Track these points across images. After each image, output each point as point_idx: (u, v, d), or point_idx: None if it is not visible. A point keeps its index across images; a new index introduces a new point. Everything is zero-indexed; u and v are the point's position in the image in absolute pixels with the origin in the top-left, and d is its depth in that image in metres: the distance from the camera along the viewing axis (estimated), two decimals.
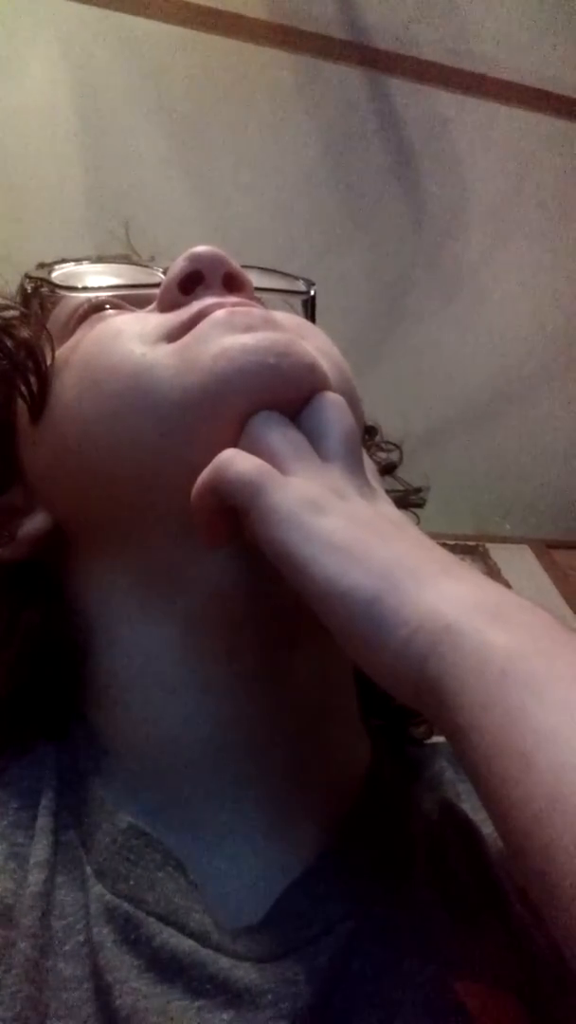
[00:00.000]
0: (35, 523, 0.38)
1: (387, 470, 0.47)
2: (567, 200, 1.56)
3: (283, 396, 0.31)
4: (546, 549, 1.90)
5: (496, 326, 1.65)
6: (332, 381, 0.33)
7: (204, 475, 0.29)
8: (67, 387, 0.35)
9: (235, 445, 0.30)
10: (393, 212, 1.47)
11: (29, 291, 0.40)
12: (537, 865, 0.19)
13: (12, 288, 0.41)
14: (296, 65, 1.31)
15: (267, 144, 1.34)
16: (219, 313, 0.33)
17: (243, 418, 0.31)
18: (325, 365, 0.33)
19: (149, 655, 0.34)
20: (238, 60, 1.27)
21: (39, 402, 0.36)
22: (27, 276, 0.40)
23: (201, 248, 0.36)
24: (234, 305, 0.34)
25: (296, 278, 0.42)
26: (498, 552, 1.75)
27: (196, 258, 0.35)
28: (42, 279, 0.39)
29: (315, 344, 0.35)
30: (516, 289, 1.61)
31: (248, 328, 0.32)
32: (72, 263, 0.40)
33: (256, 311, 0.34)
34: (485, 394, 1.71)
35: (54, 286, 0.39)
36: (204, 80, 1.26)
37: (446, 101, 1.40)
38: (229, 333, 0.32)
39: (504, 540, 1.82)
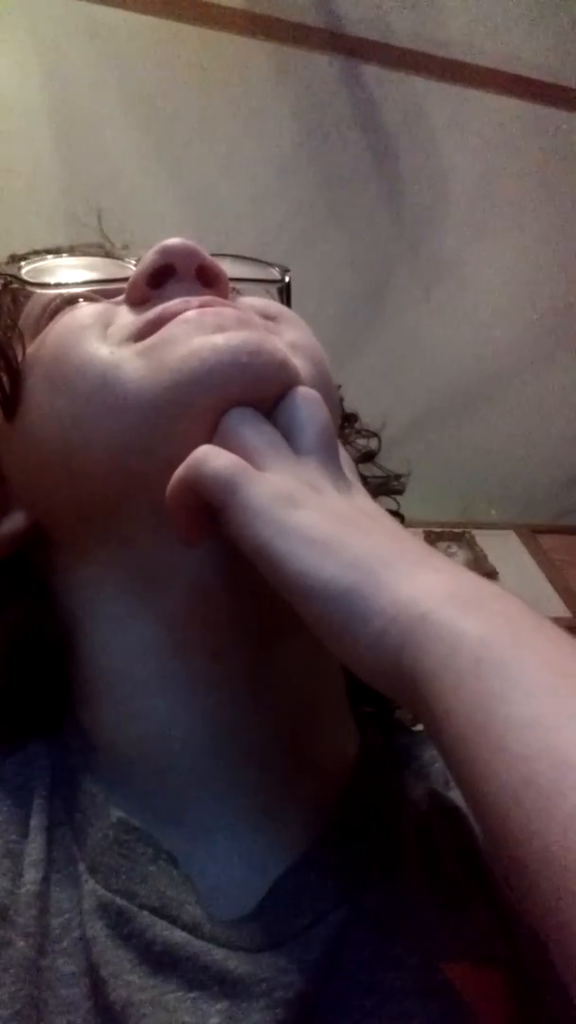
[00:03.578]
0: (12, 523, 0.37)
1: (366, 458, 0.47)
2: (546, 186, 1.56)
3: (255, 394, 0.31)
4: (532, 535, 1.91)
5: (478, 313, 1.65)
6: (306, 376, 0.33)
7: (179, 471, 0.29)
8: (38, 385, 0.35)
9: (209, 443, 0.30)
10: (371, 200, 1.47)
11: (6, 281, 0.39)
12: (510, 849, 0.19)
13: None
14: (271, 54, 1.30)
15: (243, 134, 1.33)
16: (189, 313, 0.33)
17: (215, 418, 0.30)
18: (299, 360, 0.33)
19: (133, 652, 0.34)
20: (212, 49, 1.26)
21: (12, 401, 0.35)
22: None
23: (172, 241, 0.35)
24: (203, 304, 0.33)
25: (271, 265, 0.42)
26: (484, 539, 1.76)
27: (167, 251, 0.35)
28: (12, 275, 0.39)
29: (291, 337, 0.35)
30: (497, 276, 1.62)
31: (218, 328, 0.32)
32: (44, 255, 0.39)
33: (227, 311, 0.33)
34: (468, 381, 1.71)
35: (24, 283, 0.38)
36: (179, 70, 1.25)
37: (422, 88, 1.40)
38: (199, 333, 0.31)
39: (490, 527, 1.83)
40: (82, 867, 0.30)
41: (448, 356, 1.66)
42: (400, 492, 0.47)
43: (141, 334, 0.33)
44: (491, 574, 1.65)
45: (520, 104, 1.45)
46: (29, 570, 0.38)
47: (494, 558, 1.70)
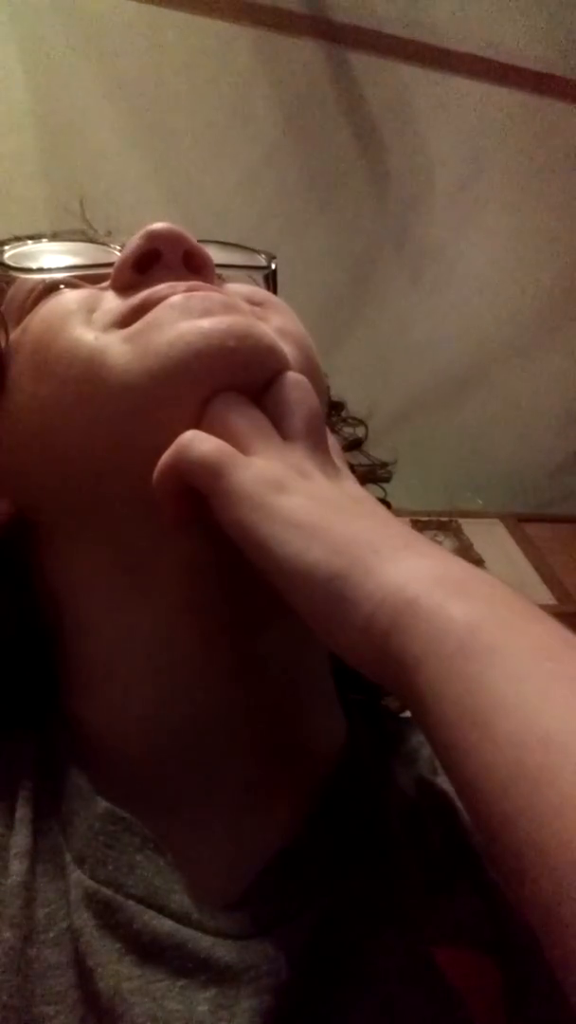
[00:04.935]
0: None
1: (353, 445, 0.47)
2: (532, 174, 1.56)
3: (242, 379, 0.31)
4: (518, 523, 1.92)
5: (464, 302, 1.65)
6: (294, 361, 0.33)
7: (165, 457, 0.29)
8: (22, 371, 0.34)
9: (195, 428, 0.30)
10: (357, 188, 1.46)
11: None
12: (500, 835, 0.19)
13: None
14: (255, 40, 1.29)
15: (228, 121, 1.32)
16: (175, 298, 0.32)
17: (202, 403, 0.30)
18: (287, 345, 0.33)
19: (121, 639, 0.34)
20: (196, 35, 1.25)
21: None
22: None
23: (158, 225, 0.35)
24: (190, 289, 0.33)
25: (257, 252, 0.41)
26: (470, 527, 1.76)
27: (153, 236, 0.34)
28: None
29: (278, 323, 0.35)
30: (483, 264, 1.62)
31: (205, 312, 0.31)
32: (26, 241, 0.39)
33: (215, 295, 0.33)
34: (454, 370, 1.71)
35: (6, 268, 0.37)
36: (162, 56, 1.24)
37: (408, 75, 1.39)
38: (186, 318, 0.31)
39: (476, 515, 1.84)
40: (68, 858, 0.30)
41: (434, 345, 1.66)
42: (387, 480, 0.47)
43: (126, 320, 0.33)
44: (477, 562, 1.65)
45: (506, 92, 1.45)
46: (14, 557, 0.38)
47: (480, 547, 1.71)
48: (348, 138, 1.41)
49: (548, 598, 1.77)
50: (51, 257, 0.38)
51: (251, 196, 1.37)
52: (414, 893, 0.32)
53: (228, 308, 0.32)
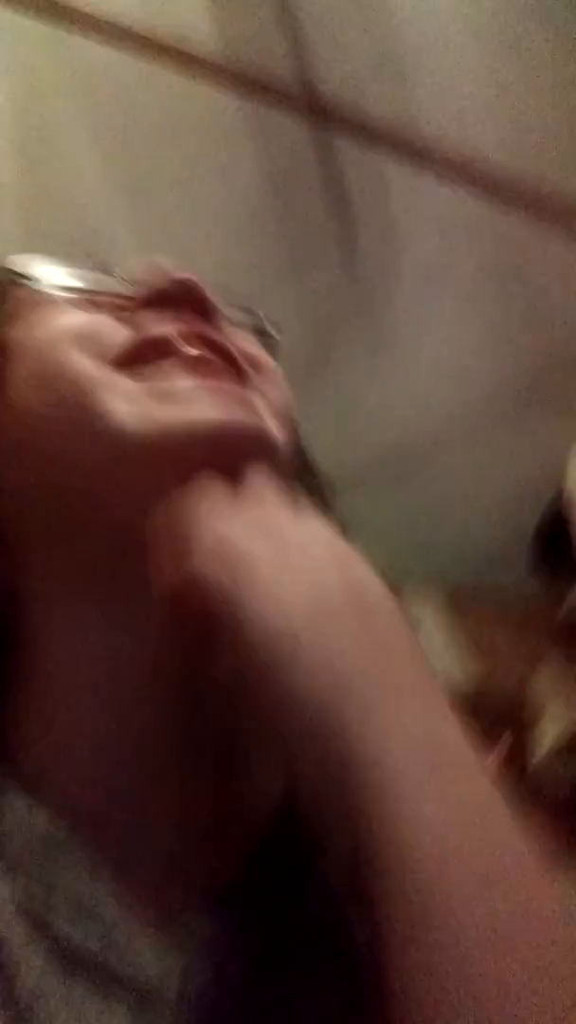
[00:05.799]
0: None
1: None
2: (492, 275, 1.64)
3: (235, 471, 0.31)
4: (457, 599, 1.94)
5: (418, 383, 1.70)
6: (281, 438, 0.34)
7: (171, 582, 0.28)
8: (21, 375, 0.35)
9: (179, 493, 0.30)
10: (329, 261, 1.51)
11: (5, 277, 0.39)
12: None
13: None
14: (247, 110, 1.33)
15: (210, 181, 1.36)
16: (188, 377, 0.33)
17: (190, 477, 0.31)
18: (276, 422, 0.34)
19: (75, 657, 0.34)
20: (190, 97, 1.29)
21: None
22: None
23: (181, 272, 0.36)
24: (198, 336, 0.34)
25: (262, 317, 0.43)
26: (410, 600, 1.78)
27: (174, 280, 0.36)
28: (10, 272, 0.39)
29: (273, 396, 0.36)
30: (440, 350, 1.67)
31: (215, 392, 0.32)
32: (33, 258, 0.39)
33: (228, 386, 0.34)
34: (406, 446, 1.75)
35: (16, 274, 0.38)
36: (153, 111, 1.27)
37: (389, 166, 1.46)
38: (196, 400, 0.32)
39: (416, 589, 1.86)
40: (2, 867, 0.30)
41: (388, 420, 1.70)
42: None
43: (132, 356, 0.33)
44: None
45: (476, 199, 1.52)
46: None
47: (411, 615, 1.72)
48: (324, 212, 1.47)
49: (469, 682, 1.79)
50: (57, 272, 0.39)
51: (227, 252, 1.40)
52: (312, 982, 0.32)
53: (241, 402, 0.33)
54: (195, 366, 0.33)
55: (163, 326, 0.34)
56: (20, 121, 1.21)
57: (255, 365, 0.37)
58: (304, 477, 0.46)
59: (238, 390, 0.34)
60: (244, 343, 0.38)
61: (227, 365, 0.35)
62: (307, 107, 1.38)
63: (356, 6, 1.30)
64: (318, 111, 1.39)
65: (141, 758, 0.33)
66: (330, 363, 1.61)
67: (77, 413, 0.32)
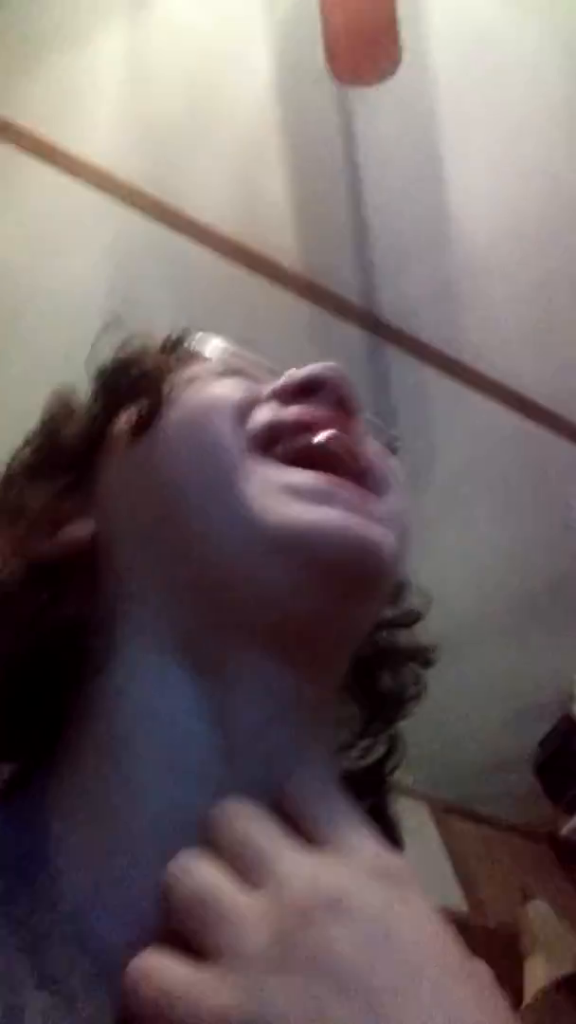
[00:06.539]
0: (81, 529, 0.38)
1: (413, 620, 0.49)
2: (517, 490, 1.72)
3: (351, 582, 0.33)
4: (444, 813, 1.86)
5: (434, 582, 1.73)
6: (392, 548, 0.33)
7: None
8: (174, 422, 0.36)
9: (290, 598, 0.32)
10: None
11: (173, 340, 0.43)
12: None
13: None
14: (312, 315, 1.47)
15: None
16: (331, 483, 0.34)
17: (304, 587, 0.32)
18: (392, 532, 0.34)
19: (147, 712, 0.33)
20: (264, 299, 1.43)
21: (144, 424, 0.37)
22: (177, 329, 0.44)
23: (333, 365, 0.38)
24: (340, 426, 0.36)
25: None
26: (397, 803, 1.70)
27: (329, 369, 0.38)
28: (189, 332, 0.43)
29: (393, 506, 0.36)
30: (458, 553, 1.71)
31: (349, 507, 0.33)
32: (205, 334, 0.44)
33: (360, 495, 0.34)
34: None
35: (198, 341, 0.42)
36: (230, 309, 1.40)
37: (430, 376, 1.58)
38: (342, 508, 0.33)
39: (405, 793, 1.79)
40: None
41: None
42: None
43: (275, 435, 0.35)
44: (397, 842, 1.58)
45: (512, 416, 1.63)
46: (69, 581, 0.36)
47: (403, 825, 1.64)
48: (367, 410, 1.56)
49: (461, 905, 1.67)
50: (224, 347, 0.43)
51: None
52: None
53: (367, 505, 0.34)
54: (326, 457, 0.35)
55: (305, 410, 0.36)
56: (110, 301, 1.33)
57: (383, 472, 0.38)
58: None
59: (364, 496, 0.35)
60: (376, 449, 0.39)
61: (356, 464, 0.36)
62: (366, 318, 1.51)
63: (422, 237, 1.47)
64: (377, 324, 1.52)
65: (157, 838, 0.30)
66: None
67: (214, 483, 0.33)
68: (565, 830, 1.76)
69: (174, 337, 0.44)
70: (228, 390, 0.38)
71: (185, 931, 0.25)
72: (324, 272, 1.47)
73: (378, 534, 0.33)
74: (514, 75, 1.34)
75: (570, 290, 1.52)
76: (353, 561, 0.32)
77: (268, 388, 0.39)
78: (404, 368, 1.56)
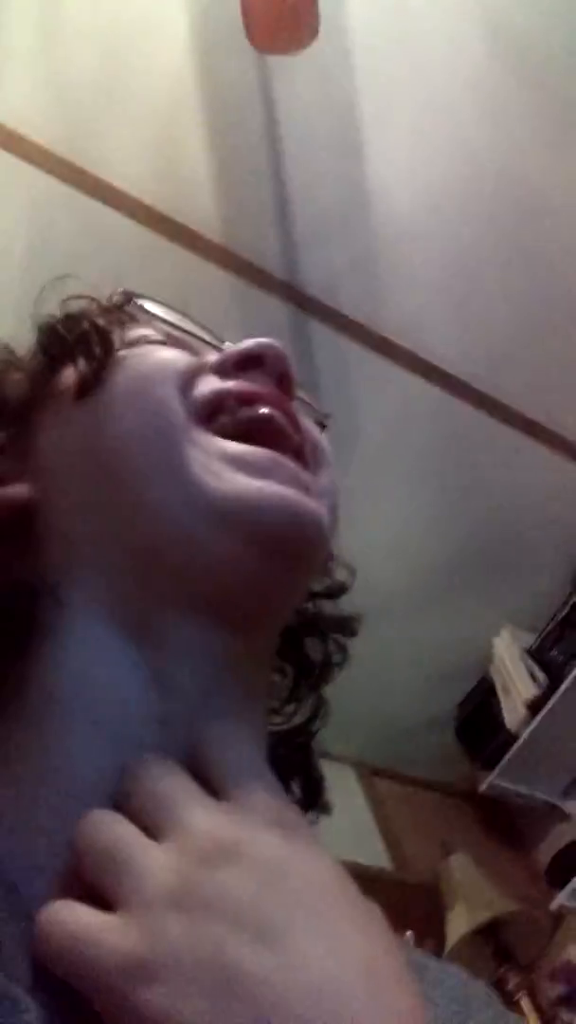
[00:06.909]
0: (15, 490, 0.36)
1: (337, 592, 0.49)
2: (434, 459, 1.76)
3: (290, 554, 0.33)
4: (369, 774, 1.91)
5: (359, 553, 1.76)
6: (324, 523, 0.35)
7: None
8: (116, 389, 0.36)
9: (231, 567, 0.32)
10: None
11: (115, 302, 0.42)
12: None
13: None
14: (234, 287, 1.46)
15: None
16: (270, 456, 0.34)
17: (242, 556, 0.32)
18: (324, 508, 0.35)
19: (81, 677, 0.32)
20: (183, 268, 1.41)
21: (88, 385, 0.36)
22: (119, 292, 0.42)
23: (270, 341, 0.38)
24: (277, 403, 0.36)
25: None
26: (324, 767, 1.75)
27: (265, 346, 0.38)
28: (133, 295, 0.42)
29: (324, 482, 0.38)
30: (379, 525, 1.75)
31: (289, 481, 0.34)
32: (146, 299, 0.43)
33: (292, 460, 0.35)
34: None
35: (140, 307, 0.41)
36: (153, 280, 1.37)
37: (352, 350, 1.60)
38: (266, 473, 0.34)
39: (330, 758, 1.83)
40: None
41: None
42: None
43: (218, 405, 0.36)
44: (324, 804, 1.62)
45: (429, 387, 1.66)
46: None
47: (330, 790, 1.68)
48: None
49: (385, 862, 1.73)
50: (168, 312, 0.42)
51: None
52: None
53: (302, 482, 0.35)
54: (267, 431, 0.35)
55: (248, 384, 0.37)
56: (28, 275, 1.29)
57: (317, 448, 0.39)
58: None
59: (302, 471, 0.36)
60: (308, 424, 0.40)
61: (294, 440, 0.36)
62: (289, 291, 1.51)
63: (342, 208, 1.48)
64: (299, 297, 1.53)
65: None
66: None
67: (158, 450, 0.34)
68: (483, 786, 1.84)
69: (117, 298, 0.43)
70: (172, 356, 0.38)
71: (95, 883, 0.26)
72: (245, 243, 1.46)
73: (316, 508, 0.34)
74: (433, 45, 1.36)
75: (489, 262, 1.56)
76: (294, 533, 0.33)
77: (209, 359, 0.39)
78: (326, 341, 1.57)
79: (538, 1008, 1.61)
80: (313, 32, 1.13)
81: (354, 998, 0.22)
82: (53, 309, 0.42)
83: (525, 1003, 1.57)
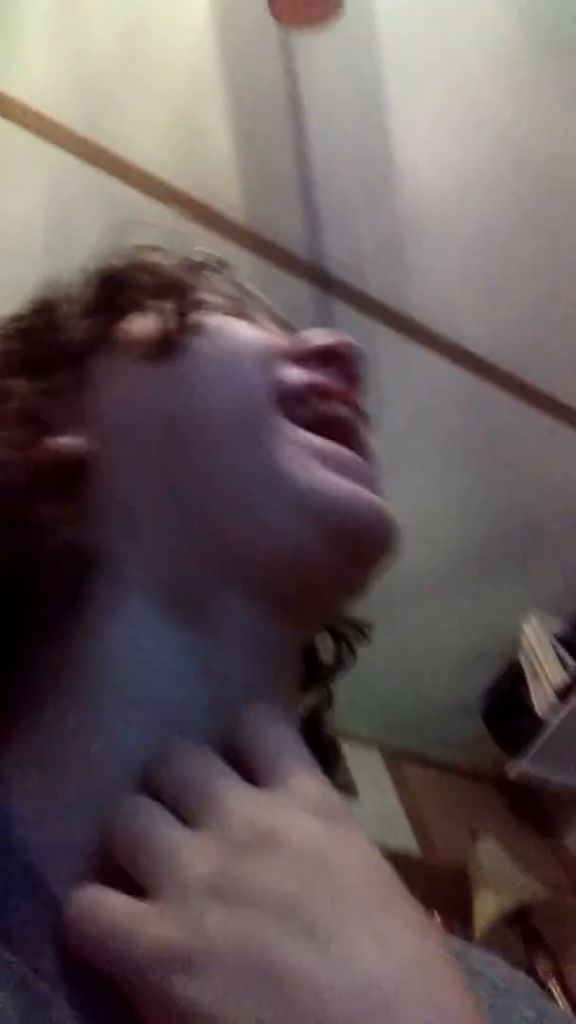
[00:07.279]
0: (72, 442, 0.34)
1: None
2: (460, 445, 1.74)
3: (369, 552, 0.33)
4: (396, 759, 1.91)
5: None
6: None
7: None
8: (205, 355, 0.35)
9: (308, 560, 0.31)
10: None
11: (200, 261, 0.41)
12: None
13: None
14: (257, 267, 1.44)
15: None
16: (361, 463, 0.34)
17: (321, 550, 0.32)
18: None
19: (128, 658, 0.31)
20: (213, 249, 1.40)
21: (170, 348, 0.35)
22: (201, 251, 0.42)
23: (353, 341, 0.38)
24: (357, 409, 0.36)
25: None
26: (349, 751, 1.75)
27: (347, 345, 0.38)
28: (218, 260, 0.41)
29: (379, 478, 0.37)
30: (403, 509, 1.72)
31: (367, 481, 0.33)
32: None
33: (373, 470, 0.35)
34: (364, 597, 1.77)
35: (207, 275, 0.40)
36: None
37: (378, 331, 1.57)
38: (353, 475, 0.33)
39: (357, 741, 1.83)
40: None
41: None
42: None
43: (302, 395, 0.35)
44: (349, 788, 1.62)
45: (456, 370, 1.64)
46: (50, 499, 0.32)
47: (356, 773, 1.68)
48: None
49: (413, 846, 1.73)
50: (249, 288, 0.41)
51: None
52: None
53: (380, 490, 0.35)
54: (344, 431, 0.35)
55: (333, 380, 0.36)
56: (47, 254, 1.28)
57: (371, 447, 0.38)
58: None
59: (374, 471, 0.35)
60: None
61: (363, 439, 0.36)
62: (313, 272, 1.49)
63: (367, 188, 1.45)
64: (321, 278, 1.50)
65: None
66: None
67: (244, 432, 0.33)
68: (511, 772, 1.83)
69: (196, 258, 0.41)
70: (256, 335, 0.37)
71: (129, 871, 0.25)
72: (268, 223, 1.44)
73: (389, 509, 0.34)
74: (460, 22, 1.32)
75: (518, 242, 1.53)
76: (381, 540, 0.33)
77: (284, 343, 0.38)
78: (351, 323, 1.55)
79: (567, 993, 1.60)
80: (338, 5, 1.11)
81: (407, 998, 0.21)
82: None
83: (554, 989, 1.56)
